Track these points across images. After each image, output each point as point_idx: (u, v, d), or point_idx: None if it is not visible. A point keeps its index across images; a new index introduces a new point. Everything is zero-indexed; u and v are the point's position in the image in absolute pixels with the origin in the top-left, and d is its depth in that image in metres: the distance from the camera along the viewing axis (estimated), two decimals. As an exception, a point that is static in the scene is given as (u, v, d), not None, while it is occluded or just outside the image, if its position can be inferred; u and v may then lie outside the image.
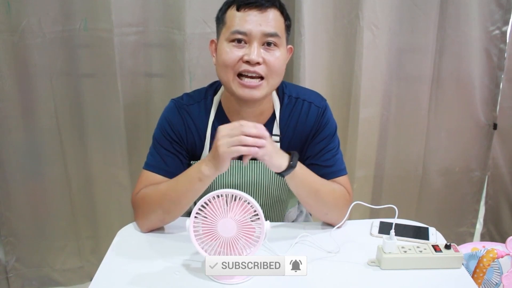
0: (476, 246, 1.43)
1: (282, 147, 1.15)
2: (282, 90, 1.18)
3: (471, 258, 1.34)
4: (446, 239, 1.13)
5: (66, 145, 1.73)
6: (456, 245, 1.04)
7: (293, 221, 1.35)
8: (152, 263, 1.02)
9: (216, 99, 1.17)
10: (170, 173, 1.13)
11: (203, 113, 1.16)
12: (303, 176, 1.08)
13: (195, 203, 1.00)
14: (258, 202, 0.93)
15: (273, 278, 0.97)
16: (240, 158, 0.99)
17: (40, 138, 1.70)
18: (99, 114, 1.70)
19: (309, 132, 1.17)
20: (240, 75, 1.06)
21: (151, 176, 1.14)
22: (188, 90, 1.54)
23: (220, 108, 1.17)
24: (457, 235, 2.04)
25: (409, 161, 1.89)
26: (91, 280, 0.96)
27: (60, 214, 1.83)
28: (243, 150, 0.95)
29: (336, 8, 1.65)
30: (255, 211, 0.91)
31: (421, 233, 1.15)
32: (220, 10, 1.10)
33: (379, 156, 1.88)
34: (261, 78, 1.06)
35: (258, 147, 0.96)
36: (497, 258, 1.19)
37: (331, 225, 1.16)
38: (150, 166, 1.15)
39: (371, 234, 1.15)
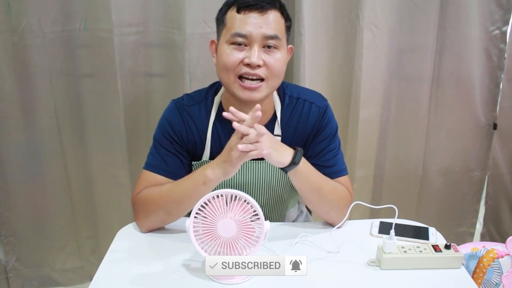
0: (476, 246, 1.43)
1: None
2: (283, 91, 1.18)
3: (471, 258, 1.34)
4: (446, 239, 1.13)
5: (66, 145, 1.73)
6: (456, 245, 1.04)
7: (293, 221, 1.35)
8: (152, 263, 1.02)
9: (216, 100, 1.17)
10: (171, 173, 1.13)
11: (203, 113, 1.16)
12: (306, 172, 1.08)
13: (195, 203, 1.01)
14: (259, 201, 0.93)
15: (273, 278, 0.97)
16: None
17: (40, 138, 1.70)
18: (99, 114, 1.70)
19: (310, 132, 1.17)
20: (240, 77, 1.06)
21: (152, 176, 1.14)
22: (188, 90, 1.54)
23: (220, 108, 1.17)
24: (457, 235, 2.04)
25: (409, 161, 1.89)
26: (91, 280, 0.96)
27: (60, 214, 1.83)
28: (255, 153, 0.97)
29: (336, 8, 1.65)
30: (255, 211, 0.91)
31: (421, 233, 1.15)
32: (220, 10, 1.10)
33: (379, 156, 1.88)
34: (261, 79, 1.06)
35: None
36: (497, 258, 1.19)
37: (331, 225, 1.16)
38: (150, 166, 1.15)
39: (371, 234, 1.15)
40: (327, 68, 1.73)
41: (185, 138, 1.16)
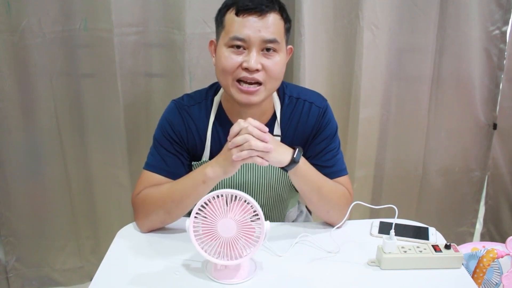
0: (476, 246, 1.43)
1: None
2: (282, 91, 1.18)
3: (471, 258, 1.34)
4: (446, 239, 1.13)
5: (66, 145, 1.73)
6: (456, 245, 1.04)
7: (293, 221, 1.35)
8: (152, 263, 1.02)
9: (216, 100, 1.17)
10: (171, 173, 1.13)
11: (203, 114, 1.16)
12: (306, 172, 1.09)
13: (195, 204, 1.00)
14: (259, 201, 0.93)
15: (273, 278, 0.97)
16: None
17: (40, 138, 1.70)
18: (99, 114, 1.70)
19: (310, 133, 1.17)
20: (239, 80, 1.06)
21: (152, 176, 1.14)
22: (188, 90, 1.54)
23: (220, 108, 1.17)
24: (457, 235, 2.04)
25: (409, 161, 1.89)
26: (91, 280, 0.96)
27: (60, 214, 1.83)
28: (258, 161, 0.98)
29: (336, 8, 1.65)
30: (255, 211, 0.91)
31: (421, 233, 1.15)
32: (219, 11, 1.09)
33: (379, 156, 1.88)
34: (260, 83, 1.06)
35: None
36: (497, 258, 1.19)
37: (331, 225, 1.16)
38: (150, 166, 1.15)
39: (371, 234, 1.15)
40: (327, 68, 1.73)
41: (185, 138, 1.16)
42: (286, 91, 1.18)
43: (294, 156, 1.04)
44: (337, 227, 1.12)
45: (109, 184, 1.80)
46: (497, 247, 1.23)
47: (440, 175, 1.93)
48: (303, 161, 1.07)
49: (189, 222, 0.93)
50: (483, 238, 2.09)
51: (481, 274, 1.20)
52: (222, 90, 1.17)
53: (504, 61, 1.78)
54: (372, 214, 1.80)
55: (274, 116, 1.17)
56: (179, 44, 1.60)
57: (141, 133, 1.73)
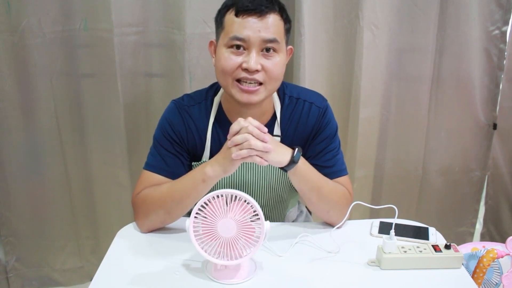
0: (476, 246, 1.43)
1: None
2: (282, 91, 1.18)
3: (471, 258, 1.34)
4: (446, 239, 1.13)
5: (66, 145, 1.73)
6: (456, 245, 1.04)
7: (293, 221, 1.35)
8: (152, 263, 1.02)
9: (216, 100, 1.17)
10: (171, 173, 1.13)
11: (203, 114, 1.16)
12: (305, 172, 1.09)
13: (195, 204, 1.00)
14: (258, 201, 0.93)
15: (273, 278, 0.97)
16: None
17: (40, 138, 1.70)
18: (99, 114, 1.70)
19: (310, 133, 1.17)
20: (239, 80, 1.06)
21: (152, 176, 1.14)
22: (188, 90, 1.54)
23: (220, 109, 1.17)
24: (457, 235, 2.04)
25: (409, 161, 1.89)
26: (91, 280, 0.96)
27: (60, 214, 1.83)
28: (257, 160, 0.98)
29: (336, 8, 1.65)
30: (255, 211, 0.91)
31: (421, 233, 1.15)
32: (219, 12, 1.09)
33: (379, 156, 1.88)
34: (260, 83, 1.06)
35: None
36: (497, 258, 1.19)
37: (331, 225, 1.16)
38: (150, 166, 1.15)
39: (371, 234, 1.15)
40: (327, 68, 1.73)
41: (185, 138, 1.16)
42: (286, 91, 1.18)
43: (293, 156, 1.04)
44: (337, 227, 1.12)
45: (109, 184, 1.80)
46: (497, 247, 1.23)
47: (440, 175, 1.93)
48: (302, 161, 1.07)
49: (189, 222, 0.93)
50: (483, 238, 2.09)
51: (481, 274, 1.20)
52: (222, 90, 1.17)
53: (504, 61, 1.78)
54: (372, 214, 1.80)
55: (274, 116, 1.17)
56: (179, 44, 1.60)
57: (141, 133, 1.73)
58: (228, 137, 1.00)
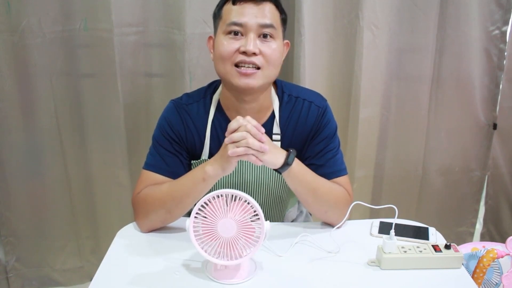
0: (476, 246, 1.43)
1: (282, 146, 1.15)
2: (281, 89, 1.18)
3: (471, 258, 1.34)
4: (446, 239, 1.13)
5: (66, 145, 1.73)
6: (456, 245, 1.04)
7: (293, 221, 1.35)
8: (152, 263, 1.02)
9: (215, 98, 1.17)
10: (171, 173, 1.13)
11: (202, 112, 1.17)
12: (300, 173, 1.09)
13: (195, 204, 1.01)
14: (258, 201, 0.93)
15: (273, 278, 0.97)
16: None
17: (40, 138, 1.70)
18: (99, 114, 1.70)
19: (309, 132, 1.17)
20: (237, 65, 1.06)
21: (151, 176, 1.14)
22: (188, 90, 1.53)
23: (219, 106, 1.17)
24: (457, 235, 2.04)
25: (409, 161, 1.89)
26: (91, 280, 0.96)
27: (60, 214, 1.83)
28: (252, 159, 0.99)
29: (336, 8, 1.65)
30: (255, 211, 0.91)
31: (421, 233, 1.15)
32: (217, 6, 1.11)
33: (379, 156, 1.88)
34: (258, 68, 1.06)
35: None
36: (497, 258, 1.19)
37: (331, 225, 1.16)
38: (150, 166, 1.15)
39: (371, 234, 1.15)
40: (327, 68, 1.73)
41: (184, 137, 1.16)
42: (285, 89, 1.18)
43: (287, 158, 1.04)
44: (337, 227, 1.12)
45: (109, 184, 1.80)
46: (497, 247, 1.23)
47: (440, 175, 1.93)
48: (296, 163, 1.07)
49: (189, 222, 0.93)
50: (483, 238, 2.09)
51: (481, 274, 1.20)
52: (221, 88, 1.17)
53: (504, 61, 1.78)
54: (372, 214, 1.81)
55: (273, 114, 1.17)
56: (179, 44, 1.60)
57: (141, 133, 1.73)
58: (226, 134, 1.00)
